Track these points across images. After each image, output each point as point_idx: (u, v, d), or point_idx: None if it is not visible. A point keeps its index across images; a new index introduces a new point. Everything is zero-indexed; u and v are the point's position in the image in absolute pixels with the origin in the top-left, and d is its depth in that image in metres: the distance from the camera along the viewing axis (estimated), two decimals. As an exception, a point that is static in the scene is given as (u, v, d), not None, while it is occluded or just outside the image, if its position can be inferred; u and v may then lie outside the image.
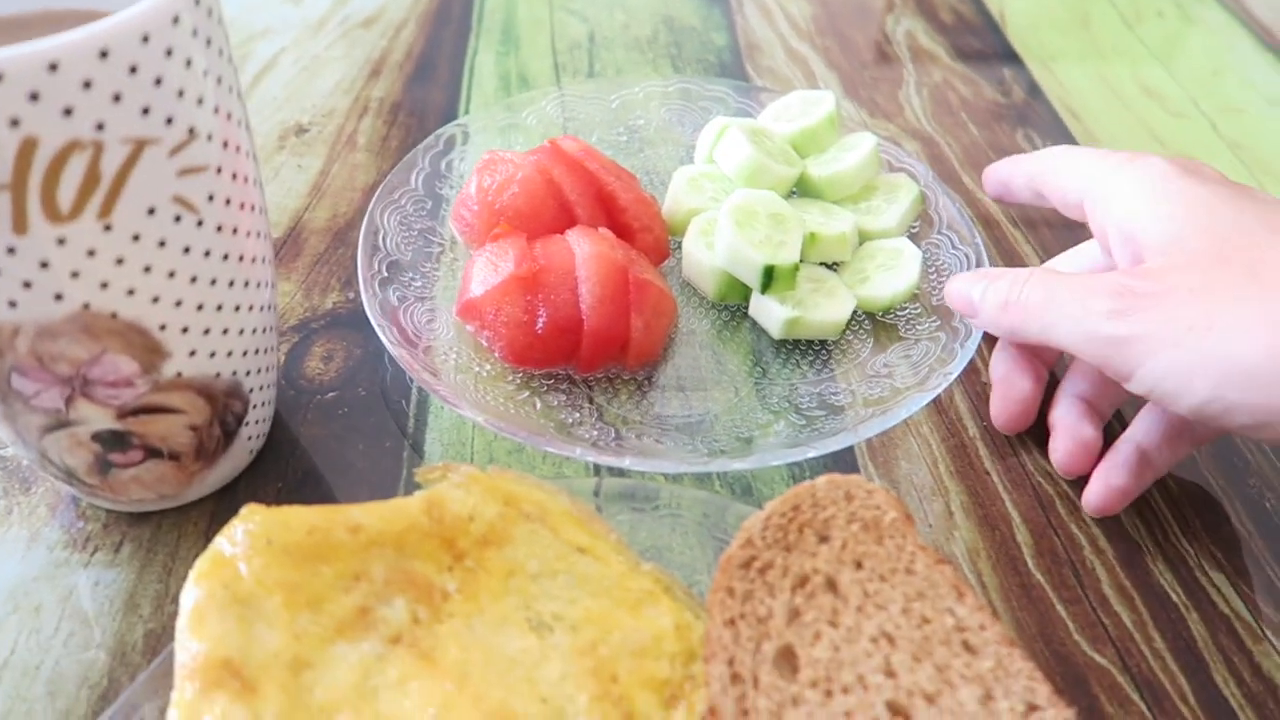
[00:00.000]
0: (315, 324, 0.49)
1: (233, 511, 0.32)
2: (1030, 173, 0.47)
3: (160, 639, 0.36)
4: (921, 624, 0.32)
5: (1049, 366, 0.46)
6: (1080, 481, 0.43)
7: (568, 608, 0.36)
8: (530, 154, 0.52)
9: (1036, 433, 0.46)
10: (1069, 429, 0.43)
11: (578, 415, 0.44)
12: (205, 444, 0.37)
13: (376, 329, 0.42)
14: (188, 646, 0.31)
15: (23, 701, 0.34)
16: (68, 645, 0.36)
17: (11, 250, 0.28)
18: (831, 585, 0.33)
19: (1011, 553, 0.41)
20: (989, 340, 0.50)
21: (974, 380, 0.48)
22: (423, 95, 0.66)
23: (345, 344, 0.48)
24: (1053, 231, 0.58)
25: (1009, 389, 0.44)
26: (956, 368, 0.42)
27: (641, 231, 0.52)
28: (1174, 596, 0.40)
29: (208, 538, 0.39)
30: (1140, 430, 0.41)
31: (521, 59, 0.70)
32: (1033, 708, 0.30)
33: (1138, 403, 0.43)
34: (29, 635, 0.36)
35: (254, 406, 0.39)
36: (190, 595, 0.32)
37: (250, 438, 0.40)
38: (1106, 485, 0.41)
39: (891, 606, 0.32)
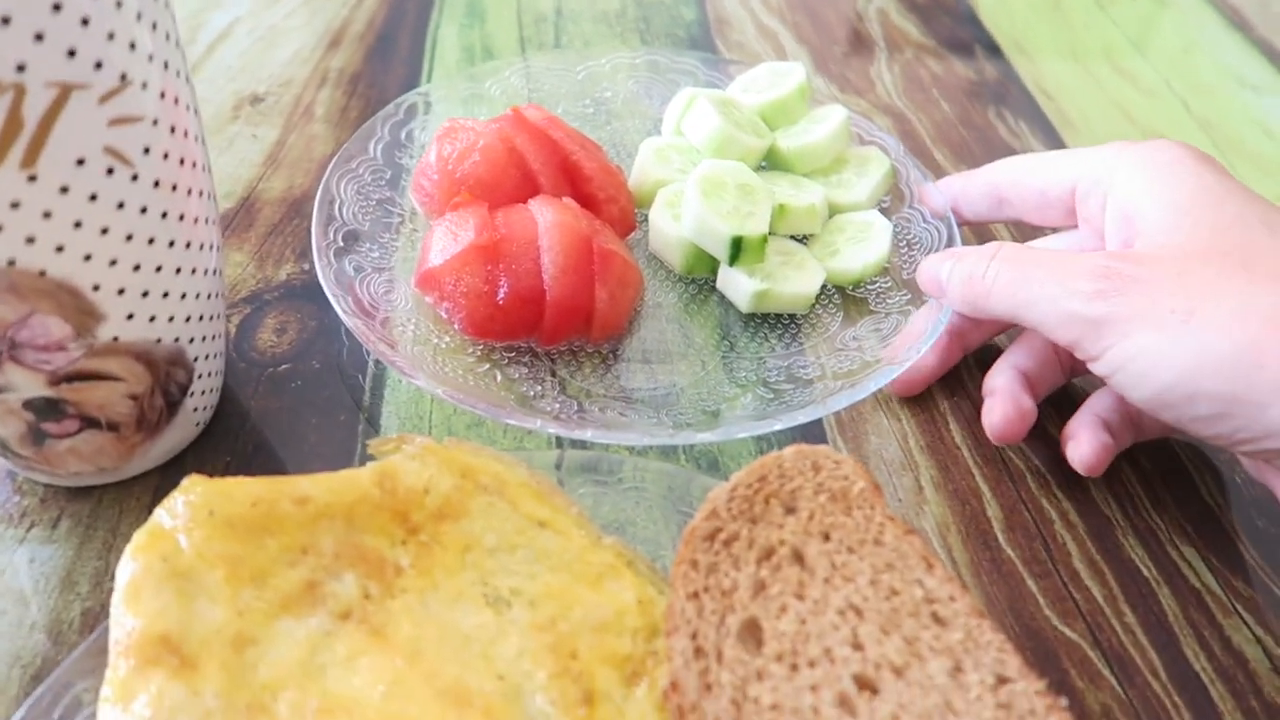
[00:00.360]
0: (268, 295, 0.47)
1: (176, 484, 0.30)
2: (991, 181, 0.47)
3: (98, 617, 0.34)
4: (890, 596, 0.31)
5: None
6: (1052, 455, 0.43)
7: (526, 583, 0.34)
8: (492, 122, 0.50)
9: (1007, 407, 0.45)
10: (1009, 396, 0.41)
11: (540, 388, 0.43)
12: (147, 414, 0.35)
13: (330, 298, 0.41)
14: (123, 622, 0.29)
15: (-50, 683, 0.32)
16: (1, 623, 0.34)
17: (-73, 199, 0.26)
18: (798, 557, 0.32)
19: (982, 527, 0.40)
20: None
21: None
22: (383, 67, 0.64)
23: (299, 316, 0.46)
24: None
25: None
26: (927, 341, 0.41)
27: (607, 202, 0.51)
28: (1145, 571, 0.39)
29: (151, 513, 0.37)
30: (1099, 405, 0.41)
31: (486, 32, 0.68)
32: (1003, 680, 0.29)
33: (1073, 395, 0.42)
34: (-42, 614, 0.34)
35: (199, 376, 0.37)
36: (126, 569, 0.30)
37: (196, 409, 0.38)
38: (1097, 439, 0.40)
39: (859, 578, 0.31)
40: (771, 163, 0.54)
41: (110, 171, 0.29)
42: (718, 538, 0.32)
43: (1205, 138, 0.64)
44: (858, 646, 0.30)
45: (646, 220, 0.52)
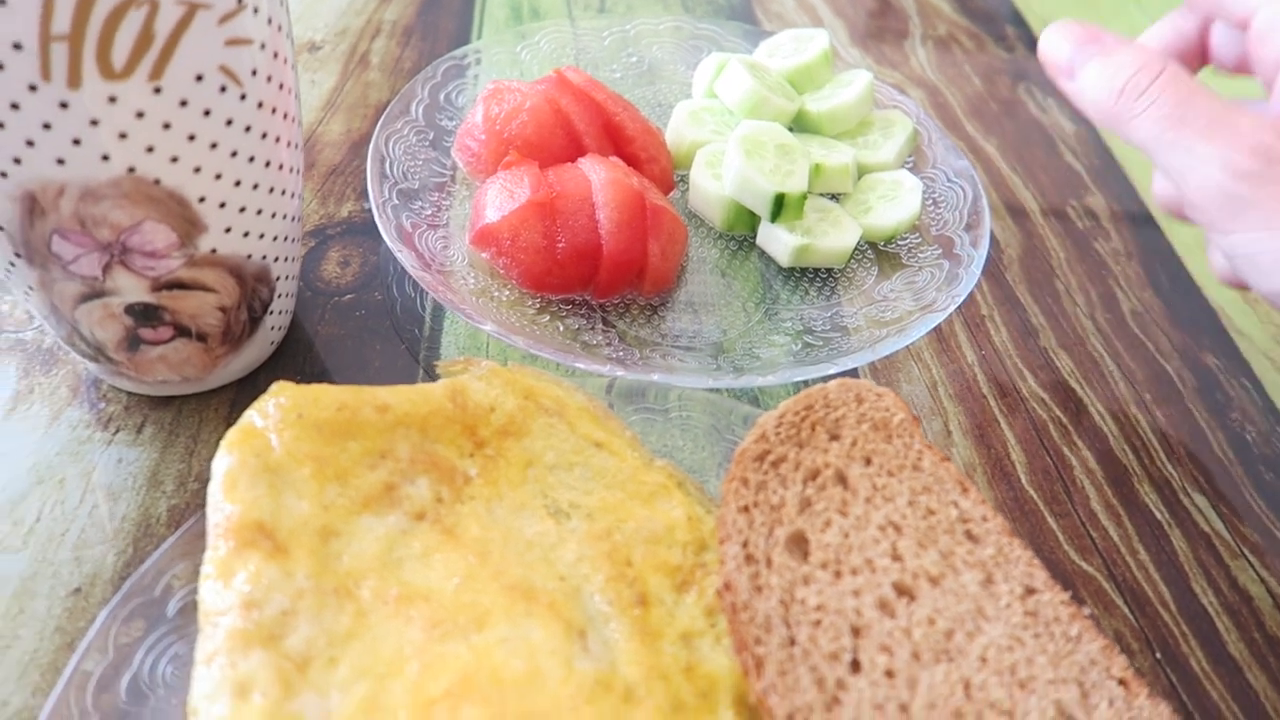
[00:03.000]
0: (331, 230, 0.49)
1: (253, 399, 0.33)
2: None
3: (184, 514, 0.37)
4: (927, 515, 0.33)
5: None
6: (1074, 409, 0.45)
7: (584, 497, 0.37)
8: (537, 84, 0.52)
9: (1030, 359, 0.47)
10: None
11: (598, 338, 0.45)
12: (232, 328, 0.38)
13: (395, 253, 0.42)
14: (221, 508, 0.32)
15: (49, 565, 0.35)
16: (93, 516, 0.36)
17: (64, 105, 0.28)
18: (841, 479, 0.34)
19: (1006, 470, 0.42)
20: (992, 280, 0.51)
21: (973, 311, 0.50)
22: (434, 21, 0.66)
23: (361, 251, 0.48)
24: (1063, 224, 0.60)
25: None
26: (964, 289, 0.44)
27: (648, 162, 0.53)
28: (1158, 514, 0.41)
29: (229, 423, 0.40)
30: None
31: (533, -8, 0.70)
32: (1030, 590, 0.32)
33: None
34: (54, 506, 0.36)
35: (279, 296, 0.39)
36: (223, 462, 0.32)
37: (273, 328, 0.41)
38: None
39: (898, 499, 0.34)
40: (800, 126, 0.56)
41: (223, 89, 0.31)
42: (766, 459, 0.35)
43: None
44: (897, 558, 0.32)
45: (682, 180, 0.54)
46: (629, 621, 0.33)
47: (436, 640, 0.31)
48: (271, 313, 0.40)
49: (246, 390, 0.41)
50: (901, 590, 0.31)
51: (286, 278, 0.40)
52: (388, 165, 0.48)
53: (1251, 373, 0.48)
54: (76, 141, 0.29)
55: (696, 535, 0.36)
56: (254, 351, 0.40)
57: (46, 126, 0.28)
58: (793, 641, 0.30)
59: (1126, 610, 0.38)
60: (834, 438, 0.35)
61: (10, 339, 0.42)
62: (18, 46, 0.26)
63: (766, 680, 0.29)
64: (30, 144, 0.29)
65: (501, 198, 0.47)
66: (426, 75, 0.54)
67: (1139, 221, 0.57)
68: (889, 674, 0.30)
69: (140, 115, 0.29)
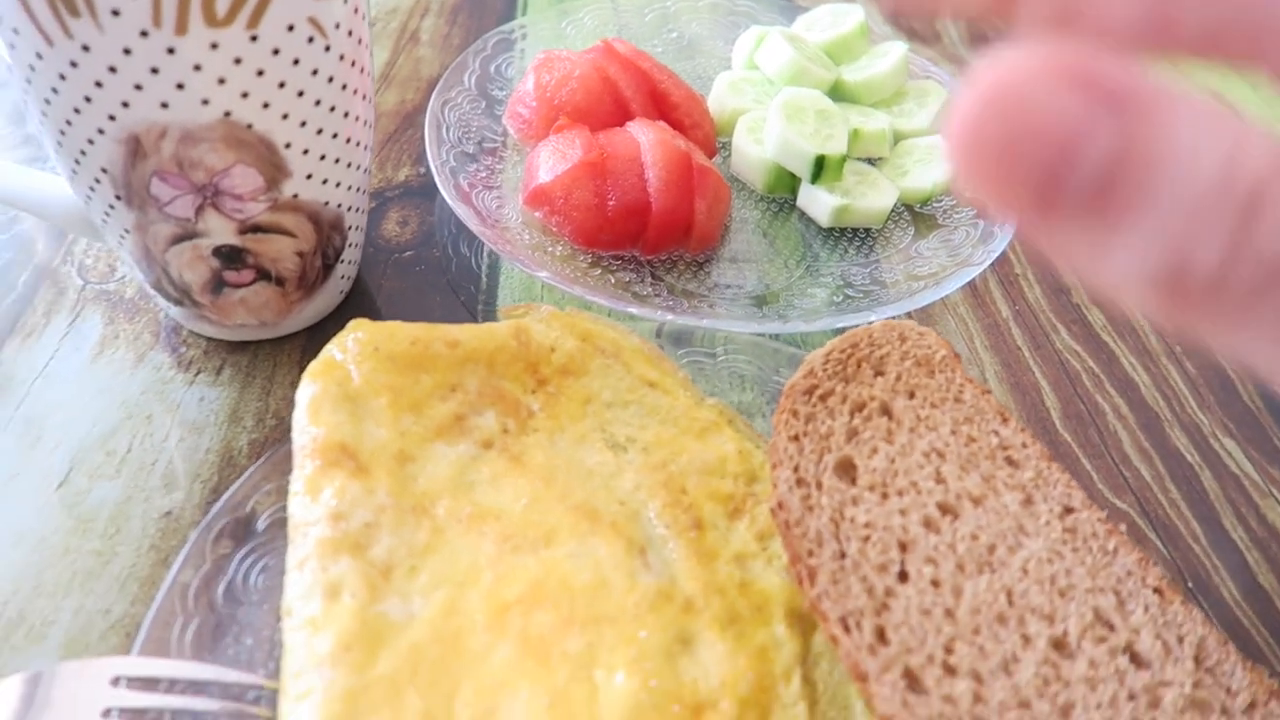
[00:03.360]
0: (390, 193, 0.52)
1: (322, 346, 0.35)
2: None
3: (263, 447, 0.39)
4: (969, 442, 0.35)
5: None
6: (1106, 360, 0.47)
7: (639, 432, 0.39)
8: (586, 53, 0.55)
9: (1063, 314, 0.49)
10: None
11: (648, 289, 0.47)
12: (307, 273, 0.40)
13: (454, 208, 0.44)
14: (307, 431, 0.34)
15: (141, 491, 0.37)
16: (179, 448, 0.39)
17: (171, 50, 0.30)
18: (887, 410, 0.36)
19: (1041, 415, 0.44)
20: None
21: (1007, 269, 0.52)
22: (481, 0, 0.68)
23: (419, 211, 0.51)
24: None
25: None
26: (999, 245, 0.45)
27: (692, 128, 0.55)
28: (1189, 457, 0.43)
29: (301, 367, 0.42)
30: None
31: (574, -27, 0.72)
32: (1069, 510, 0.33)
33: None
34: (143, 439, 0.39)
35: (349, 246, 0.42)
36: (307, 390, 0.35)
37: (342, 277, 0.43)
38: None
39: (941, 428, 0.36)
40: (837, 95, 0.58)
41: (310, 40, 0.33)
42: (815, 393, 0.36)
43: (1255, 96, 0.67)
44: (940, 481, 0.34)
45: (723, 147, 0.56)
46: (685, 543, 0.35)
47: (508, 553, 0.33)
48: (342, 261, 0.42)
49: (316, 337, 0.43)
50: (945, 510, 0.33)
51: (356, 228, 0.42)
52: (443, 130, 0.51)
53: None
54: (180, 86, 0.31)
55: (747, 467, 0.38)
56: (325, 299, 0.43)
57: (154, 71, 0.31)
58: (843, 555, 0.32)
59: (1160, 544, 0.39)
60: (879, 373, 0.37)
61: (95, 290, 0.44)
62: (133, -7, 0.29)
63: (820, 588, 0.31)
64: (138, 88, 0.31)
65: (554, 159, 0.49)
66: (477, 48, 0.56)
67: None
68: (935, 583, 0.31)
69: (238, 62, 0.32)
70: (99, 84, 0.31)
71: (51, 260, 0.46)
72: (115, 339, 0.42)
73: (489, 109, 0.55)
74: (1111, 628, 0.31)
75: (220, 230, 0.36)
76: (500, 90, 0.56)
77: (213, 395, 0.41)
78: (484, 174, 0.51)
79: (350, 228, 0.41)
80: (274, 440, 0.39)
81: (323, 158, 0.37)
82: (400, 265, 0.48)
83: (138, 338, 0.43)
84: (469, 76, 0.55)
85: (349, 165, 0.38)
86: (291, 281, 0.40)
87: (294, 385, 0.41)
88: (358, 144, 0.39)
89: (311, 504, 0.33)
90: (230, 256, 0.37)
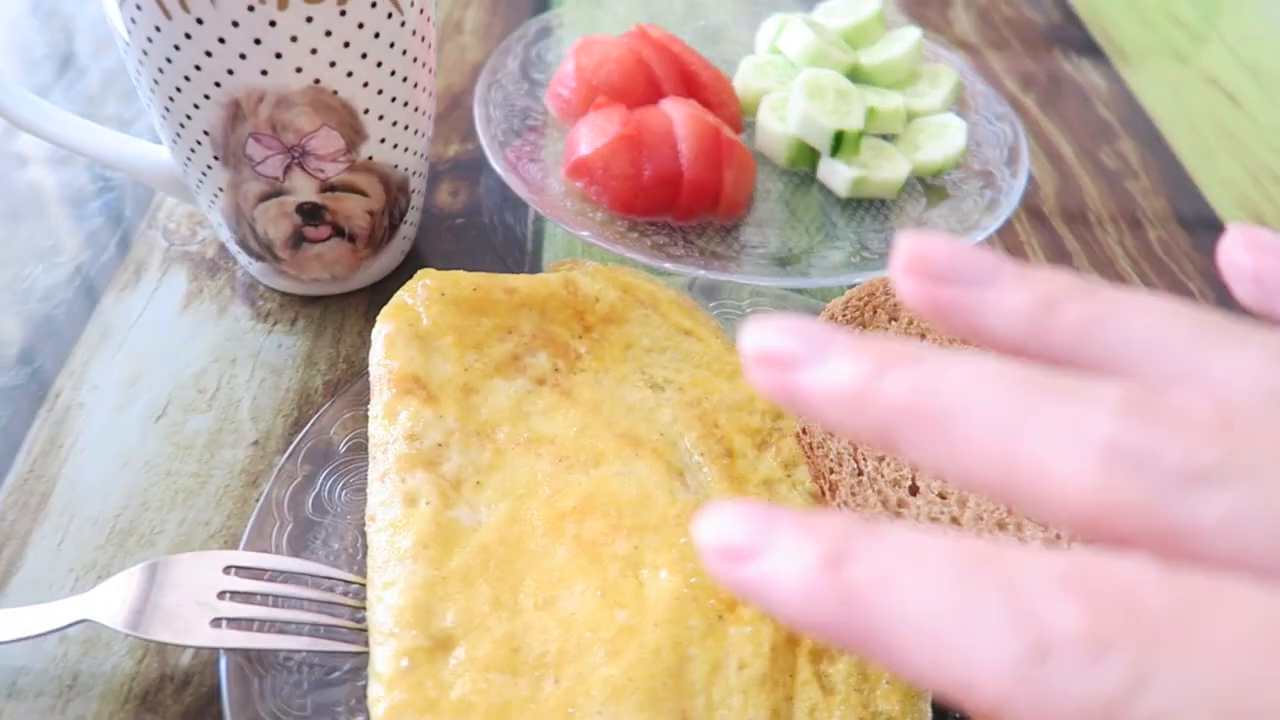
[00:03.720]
0: (441, 167, 0.56)
1: (385, 301, 0.39)
2: None
3: (337, 386, 0.44)
4: (974, 377, 0.39)
5: None
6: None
7: (675, 374, 0.43)
8: (621, 38, 0.59)
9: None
10: None
11: (680, 251, 0.51)
12: (376, 231, 0.44)
13: (503, 175, 0.49)
14: (384, 363, 0.38)
15: (230, 423, 0.42)
16: (262, 387, 0.43)
17: (273, 23, 0.35)
18: (899, 350, 0.40)
19: (1042, 365, 0.48)
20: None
21: (1012, 237, 0.56)
22: (518, -7, 0.73)
23: (468, 184, 0.55)
24: (1096, 165, 0.65)
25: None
26: (1005, 211, 0.49)
27: (719, 106, 0.59)
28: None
29: (367, 319, 0.46)
30: None
31: (604, -32, 0.77)
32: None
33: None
34: (229, 379, 0.43)
35: (412, 209, 0.46)
36: (382, 329, 0.39)
37: (404, 238, 0.47)
38: None
39: (949, 365, 0.40)
40: (855, 78, 0.62)
41: (389, 15, 0.37)
42: (835, 335, 0.40)
43: (1250, 78, 0.71)
44: (948, 410, 0.38)
45: (748, 125, 0.60)
46: (719, 468, 0.39)
47: (563, 471, 0.37)
48: (405, 223, 0.46)
49: (380, 293, 0.48)
50: (953, 434, 0.37)
51: (417, 192, 0.46)
52: (490, 108, 0.55)
53: (1268, 290, 0.53)
54: (278, 55, 0.36)
55: (773, 405, 0.42)
56: (389, 257, 0.47)
57: (257, 42, 0.35)
58: (860, 472, 0.36)
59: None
60: (893, 319, 0.41)
61: (179, 250, 0.49)
62: (244, -27, 0.33)
63: (840, 498, 0.35)
64: (243, 57, 0.35)
65: (594, 133, 0.53)
66: (519, 34, 0.61)
67: (1166, 165, 0.62)
68: (942, 495, 0.35)
69: (328, 34, 0.36)
70: (209, 53, 0.35)
71: (138, 224, 0.50)
72: (199, 294, 0.47)
73: (531, 90, 0.59)
74: (1100, 532, 0.34)
75: (304, 188, 0.40)
76: (540, 74, 0.61)
77: (289, 342, 0.45)
78: (528, 149, 0.55)
79: (413, 191, 0.45)
80: (346, 380, 0.44)
81: (395, 124, 0.41)
82: (453, 230, 0.52)
83: (219, 293, 0.47)
84: (512, 60, 0.60)
85: (416, 132, 0.43)
86: (362, 239, 0.44)
87: (361, 335, 0.46)
88: (423, 113, 0.43)
89: (390, 426, 0.37)
90: (311, 213, 0.42)
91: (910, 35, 0.61)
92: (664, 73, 0.59)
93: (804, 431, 0.37)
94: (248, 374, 0.44)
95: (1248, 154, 0.64)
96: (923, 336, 0.41)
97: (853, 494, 0.35)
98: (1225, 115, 0.67)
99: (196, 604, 0.32)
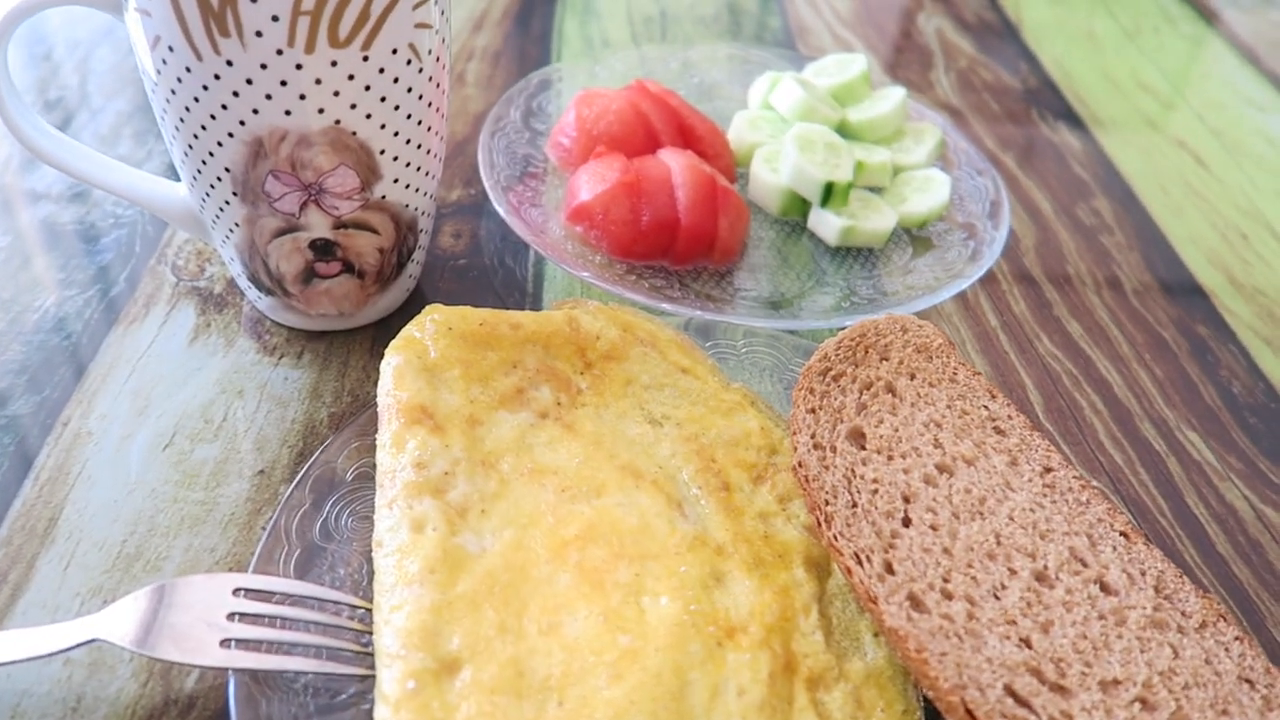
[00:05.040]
0: (444, 210, 0.58)
1: (391, 337, 0.40)
2: None
3: (342, 419, 0.45)
4: (962, 415, 0.41)
5: None
6: (1081, 361, 0.53)
7: (674, 410, 0.44)
8: (620, 91, 0.61)
9: (1046, 325, 0.55)
10: None
11: (677, 294, 0.53)
12: (385, 268, 0.46)
13: (506, 218, 0.51)
14: (392, 394, 0.39)
15: (236, 452, 0.42)
16: (268, 418, 0.44)
17: (299, 66, 0.36)
18: (891, 389, 0.42)
19: (1026, 410, 0.50)
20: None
21: (995, 286, 0.58)
22: (520, 46, 0.75)
23: (470, 226, 0.57)
24: (1073, 220, 0.68)
25: None
26: (988, 261, 0.51)
27: (714, 157, 0.62)
28: (1156, 446, 0.49)
29: (372, 354, 0.48)
30: None
31: (602, 26, 0.80)
32: (1048, 469, 0.39)
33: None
34: (236, 410, 0.44)
35: (419, 247, 0.48)
36: (391, 361, 0.40)
37: (410, 275, 0.49)
38: None
39: (938, 403, 0.41)
40: (843, 134, 0.64)
41: (409, 62, 0.39)
42: (828, 374, 0.42)
43: (1216, 142, 0.75)
44: (938, 446, 0.39)
45: (741, 175, 0.62)
46: (716, 500, 0.40)
47: (565, 501, 0.38)
48: (413, 261, 0.48)
49: (384, 330, 0.49)
50: (942, 469, 0.39)
51: (425, 232, 0.48)
52: (494, 155, 0.57)
53: (1238, 341, 0.55)
54: (303, 96, 0.37)
55: (768, 441, 0.43)
56: (395, 295, 0.48)
57: (283, 83, 0.37)
58: (855, 504, 0.37)
59: (1129, 515, 0.45)
60: (884, 358, 0.43)
61: (188, 285, 0.50)
62: (275, 19, 0.35)
63: (835, 529, 0.36)
64: (269, 97, 0.37)
65: (594, 180, 0.55)
66: (521, 86, 0.63)
67: (1139, 221, 0.65)
68: (933, 527, 0.37)
69: (351, 78, 0.38)
70: (236, 94, 0.37)
71: (148, 260, 0.52)
72: (207, 327, 0.48)
73: (532, 139, 0.61)
74: (1085, 563, 0.36)
75: (318, 224, 0.42)
76: (541, 123, 0.63)
77: (295, 375, 0.46)
78: (529, 194, 0.57)
79: (421, 230, 0.47)
80: (351, 413, 0.45)
81: (408, 165, 0.43)
82: (456, 271, 0.53)
83: (227, 326, 0.48)
84: (515, 110, 0.62)
85: (427, 174, 0.44)
86: (371, 275, 0.46)
87: (366, 370, 0.47)
88: (435, 156, 0.45)
89: (398, 454, 0.38)
90: (323, 249, 0.43)
91: (895, 94, 0.63)
92: (662, 124, 0.61)
93: (800, 465, 0.39)
94: (254, 406, 0.45)
95: (1215, 213, 0.67)
96: (912, 376, 0.42)
97: (848, 525, 0.36)
98: (1193, 176, 0.70)
99: (207, 624, 0.33)
